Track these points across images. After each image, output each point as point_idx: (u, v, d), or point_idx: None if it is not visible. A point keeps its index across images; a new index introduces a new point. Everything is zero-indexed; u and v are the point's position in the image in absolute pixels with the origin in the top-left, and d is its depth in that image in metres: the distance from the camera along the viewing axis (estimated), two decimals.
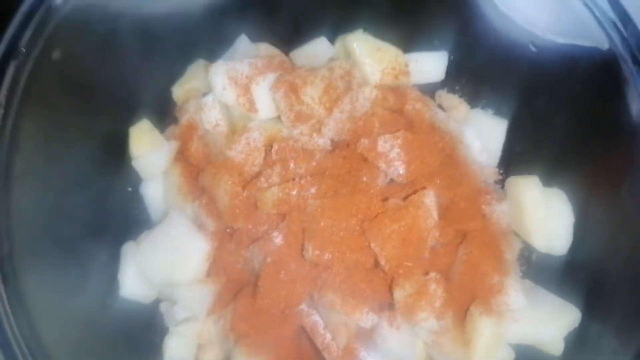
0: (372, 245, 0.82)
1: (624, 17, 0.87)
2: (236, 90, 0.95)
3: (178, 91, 1.06)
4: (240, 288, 0.92)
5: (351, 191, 0.87)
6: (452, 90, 1.13)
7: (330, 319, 0.82)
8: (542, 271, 0.98)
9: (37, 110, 0.74)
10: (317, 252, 0.82)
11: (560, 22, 1.03)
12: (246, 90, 0.96)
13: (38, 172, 0.76)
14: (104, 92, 0.92)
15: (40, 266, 0.76)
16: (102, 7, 0.80)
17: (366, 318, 0.79)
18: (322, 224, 0.82)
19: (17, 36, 0.68)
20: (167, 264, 0.89)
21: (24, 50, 0.68)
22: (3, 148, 0.68)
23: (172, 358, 0.91)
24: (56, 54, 0.73)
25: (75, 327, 0.81)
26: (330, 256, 0.82)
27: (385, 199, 0.89)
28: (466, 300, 0.87)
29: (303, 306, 0.86)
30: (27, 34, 0.69)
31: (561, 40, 1.02)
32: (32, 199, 0.75)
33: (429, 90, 1.12)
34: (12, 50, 0.67)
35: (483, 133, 1.06)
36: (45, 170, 0.79)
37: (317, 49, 1.08)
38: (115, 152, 0.99)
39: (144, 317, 0.97)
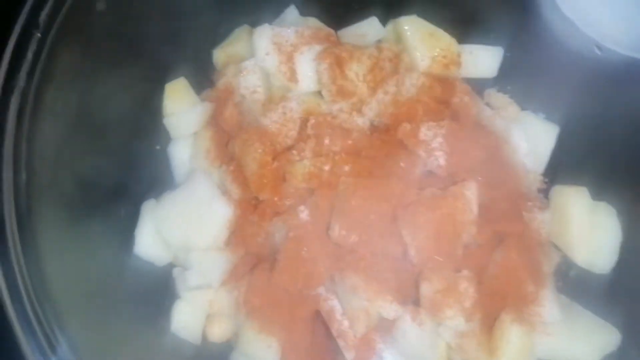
0: (404, 233, 0.77)
1: None
2: (279, 57, 0.92)
3: (219, 54, 1.03)
4: (258, 262, 0.88)
5: (387, 174, 0.82)
6: (502, 90, 1.07)
7: (350, 304, 0.77)
8: (581, 289, 0.91)
9: (76, 45, 0.71)
10: (343, 232, 0.77)
11: (627, 35, 0.97)
12: (289, 58, 0.92)
13: (66, 113, 0.74)
14: (146, 46, 0.90)
15: (58, 217, 0.74)
16: None
17: (389, 307, 0.74)
18: (353, 203, 0.78)
19: None
20: (186, 226, 0.86)
21: None
22: (35, 75, 0.65)
23: (180, 324, 0.87)
24: (100, 5, 0.70)
25: (88, 282, 0.78)
26: (357, 238, 0.77)
27: (421, 189, 0.84)
28: (497, 305, 0.80)
29: (321, 290, 0.81)
30: None
31: (625, 52, 0.96)
32: (56, 145, 0.72)
33: (478, 87, 1.07)
34: None
35: (532, 137, 0.99)
36: (74, 113, 0.76)
37: (366, 29, 1.03)
38: (148, 107, 0.96)
39: (156, 279, 0.93)
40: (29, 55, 0.66)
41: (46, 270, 0.68)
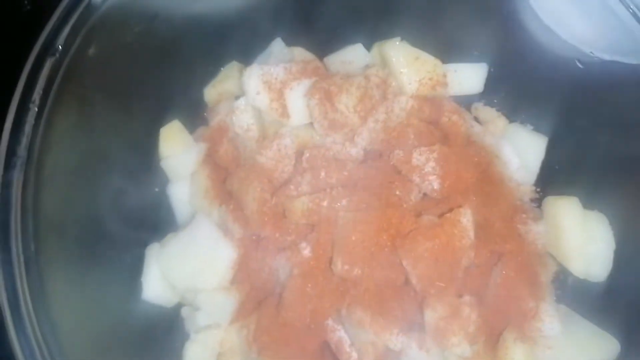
0: (404, 263, 0.79)
1: None
2: (269, 95, 0.93)
3: (210, 93, 1.04)
4: (264, 297, 0.90)
5: (383, 205, 0.84)
6: (489, 103, 1.10)
7: (358, 337, 0.79)
8: (578, 296, 0.94)
9: (70, 108, 0.73)
10: (346, 266, 0.79)
11: (608, 39, 0.99)
12: (279, 95, 0.94)
13: (67, 171, 0.75)
14: (137, 91, 0.91)
15: (65, 266, 0.75)
16: (138, 7, 0.79)
17: (396, 339, 0.76)
18: (353, 238, 0.80)
19: (54, 33, 0.67)
20: (192, 269, 0.87)
21: (61, 47, 0.67)
22: (35, 146, 0.67)
23: None
24: (92, 52, 0.72)
25: (96, 328, 0.80)
26: (359, 271, 0.79)
27: (418, 215, 0.86)
28: (499, 324, 0.83)
29: (329, 321, 0.83)
30: (65, 31, 0.68)
31: (608, 57, 0.98)
32: (60, 198, 0.73)
33: (465, 102, 1.09)
34: (48, 47, 0.66)
35: (521, 149, 1.02)
36: (75, 169, 0.78)
37: (352, 56, 1.06)
38: (145, 151, 0.98)
39: (165, 320, 0.95)
40: (32, 107, 0.68)
41: (55, 319, 0.69)
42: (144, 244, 0.96)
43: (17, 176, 0.64)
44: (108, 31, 0.74)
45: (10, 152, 0.64)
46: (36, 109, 0.65)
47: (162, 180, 1.02)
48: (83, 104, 0.75)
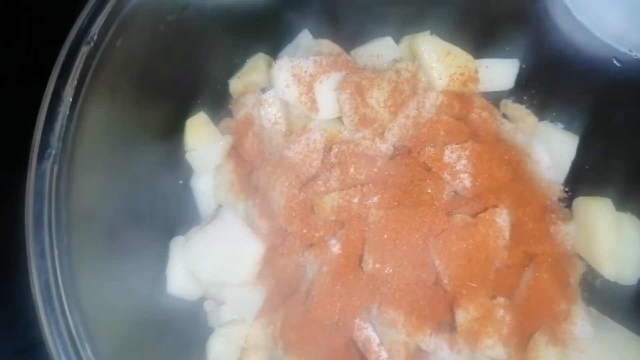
0: (437, 262, 0.78)
1: None
2: (299, 88, 0.92)
3: (236, 84, 1.03)
4: (289, 293, 0.89)
5: (415, 203, 0.83)
6: (518, 100, 1.08)
7: (388, 336, 0.78)
8: (608, 299, 0.92)
9: (101, 99, 0.71)
10: (377, 265, 0.78)
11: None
12: (309, 88, 0.92)
13: (97, 163, 0.74)
14: (165, 82, 0.90)
15: (94, 258, 0.74)
16: None
17: (429, 340, 0.75)
18: (385, 236, 0.78)
19: (89, 23, 0.66)
20: (218, 264, 0.86)
21: (95, 37, 0.65)
22: (68, 137, 0.65)
23: (217, 359, 0.88)
24: (124, 42, 0.70)
25: (124, 319, 0.79)
26: (390, 270, 0.78)
27: (449, 213, 0.84)
28: (530, 326, 0.82)
29: (356, 319, 0.82)
30: (99, 21, 0.66)
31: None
32: (89, 190, 0.72)
33: (493, 99, 1.07)
34: (82, 37, 0.65)
35: (551, 148, 1.00)
36: (103, 161, 0.77)
37: (381, 49, 1.03)
38: (170, 143, 0.96)
39: (188, 313, 0.94)
40: (66, 97, 0.67)
41: (85, 309, 0.69)
42: (169, 237, 0.95)
43: (50, 167, 0.63)
44: (141, 21, 0.73)
45: (44, 144, 0.63)
46: (70, 99, 0.64)
47: (186, 172, 1.01)
48: (113, 94, 0.74)
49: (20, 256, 0.64)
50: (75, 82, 0.64)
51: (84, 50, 0.65)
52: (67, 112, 0.64)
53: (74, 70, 0.65)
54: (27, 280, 0.63)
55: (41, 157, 0.63)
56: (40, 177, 0.62)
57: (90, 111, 0.69)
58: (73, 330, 0.66)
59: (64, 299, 0.66)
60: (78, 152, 0.68)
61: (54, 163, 0.63)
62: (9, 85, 1.08)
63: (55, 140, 0.63)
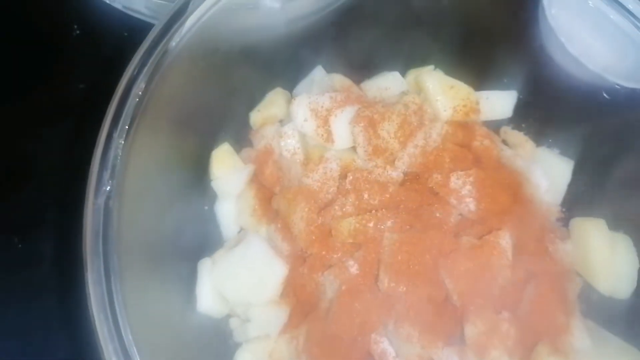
0: (446, 281, 0.86)
1: None
2: (316, 122, 1.00)
3: (256, 117, 1.11)
4: (309, 310, 0.96)
5: (425, 226, 0.91)
6: (517, 128, 1.16)
7: (404, 349, 0.86)
8: (604, 312, 1.00)
9: (144, 139, 0.79)
10: (392, 284, 0.86)
11: (630, 67, 1.05)
12: (325, 122, 1.00)
13: (140, 196, 0.82)
14: (194, 118, 0.98)
15: (136, 280, 0.81)
16: (204, 44, 0.86)
17: (441, 353, 0.83)
18: (399, 257, 0.86)
19: (136, 74, 0.74)
20: (245, 284, 0.94)
21: (143, 86, 0.74)
22: (119, 174, 0.74)
23: None
24: (164, 89, 0.79)
25: (163, 335, 0.86)
26: (404, 288, 0.86)
27: (456, 235, 0.92)
28: (533, 338, 0.89)
29: (373, 334, 0.90)
30: (145, 72, 0.75)
31: (631, 85, 1.05)
32: (134, 222, 0.80)
33: (493, 126, 1.16)
34: (131, 87, 0.74)
35: (549, 172, 1.08)
36: (145, 193, 0.84)
37: (389, 82, 1.12)
38: (198, 172, 1.05)
39: (215, 330, 1.01)
40: (118, 140, 0.76)
41: (133, 326, 0.75)
42: (196, 258, 1.03)
43: (104, 203, 0.71)
44: (178, 69, 0.81)
45: (99, 182, 0.71)
46: (121, 142, 0.72)
47: (210, 198, 1.09)
48: (154, 134, 0.82)
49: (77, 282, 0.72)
50: (126, 126, 0.73)
51: (133, 99, 0.73)
52: (119, 153, 0.72)
53: (123, 117, 0.73)
54: (84, 303, 0.70)
55: (97, 193, 0.71)
56: (96, 212, 0.71)
57: (134, 151, 0.77)
58: (125, 343, 0.73)
59: (110, 317, 0.73)
60: (125, 187, 0.76)
61: (107, 199, 0.71)
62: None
63: (108, 179, 0.72)
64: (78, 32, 1.28)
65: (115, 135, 0.73)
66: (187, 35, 0.84)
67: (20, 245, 1.16)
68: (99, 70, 1.24)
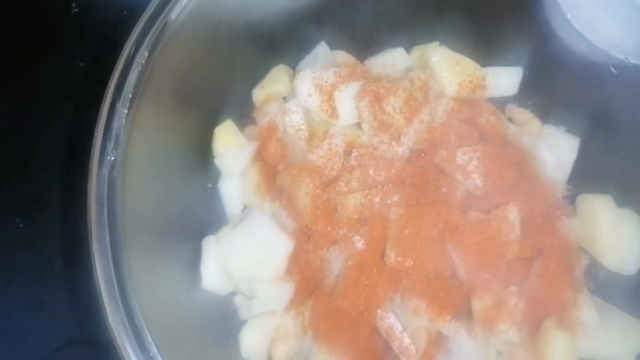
0: (453, 255, 0.85)
1: None
2: (320, 97, 0.99)
3: (258, 94, 1.10)
4: (314, 286, 0.96)
5: (432, 201, 0.90)
6: (523, 105, 1.15)
7: (411, 323, 0.85)
8: (611, 288, 0.99)
9: (147, 111, 0.78)
10: (399, 258, 0.85)
11: (636, 44, 1.04)
12: (329, 97, 0.99)
13: (144, 170, 0.81)
14: (196, 94, 0.96)
15: (141, 257, 0.81)
16: (206, 18, 0.85)
17: (449, 325, 0.82)
18: (406, 232, 0.86)
19: (137, 45, 0.73)
20: (250, 261, 0.93)
21: (144, 57, 0.73)
22: (123, 145, 0.73)
23: (249, 348, 0.95)
24: (165, 61, 0.78)
25: (168, 312, 0.85)
26: (411, 263, 0.85)
27: (463, 211, 0.92)
28: (540, 313, 0.89)
29: (378, 310, 0.89)
30: (146, 44, 0.74)
31: (636, 61, 1.03)
32: (138, 195, 0.79)
33: (499, 104, 1.14)
34: (132, 59, 0.73)
35: (555, 149, 1.07)
36: (148, 168, 0.83)
37: (394, 59, 1.11)
38: (201, 150, 1.04)
39: (220, 307, 1.01)
40: (121, 110, 0.75)
41: (140, 301, 0.75)
42: (200, 236, 1.02)
43: (108, 173, 0.70)
44: (180, 41, 0.80)
45: (103, 152, 0.70)
46: (125, 112, 0.71)
47: (214, 176, 1.08)
48: (156, 107, 0.81)
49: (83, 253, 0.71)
50: (129, 96, 0.71)
51: (135, 68, 0.72)
52: (123, 123, 0.71)
53: (126, 86, 0.72)
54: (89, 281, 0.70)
55: (101, 164, 0.70)
56: (100, 182, 0.70)
57: (138, 122, 0.76)
58: (127, 322, 0.72)
59: (118, 294, 0.73)
60: (129, 159, 0.75)
61: (112, 169, 0.70)
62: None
63: (112, 149, 0.71)
64: (76, 10, 1.26)
65: (119, 104, 0.72)
66: (188, 7, 0.82)
67: (21, 226, 1.15)
68: (98, 48, 1.22)
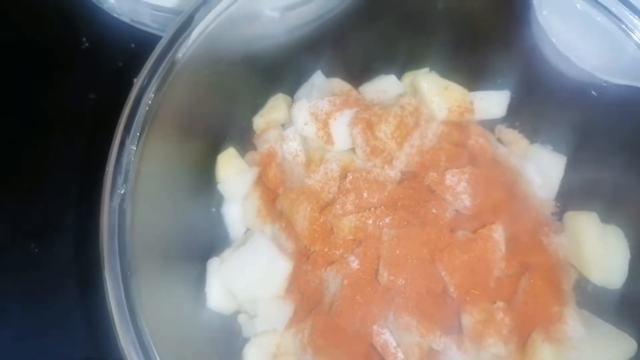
0: (443, 273, 0.90)
1: None
2: (316, 125, 1.05)
3: (258, 121, 1.16)
4: (314, 305, 1.01)
5: (422, 222, 0.95)
6: (511, 126, 1.20)
7: (404, 339, 0.90)
8: (598, 302, 1.03)
9: (155, 145, 0.84)
10: (392, 277, 0.90)
11: (617, 65, 1.09)
12: (325, 124, 1.05)
13: (151, 198, 0.87)
14: (199, 124, 1.03)
15: (151, 282, 0.86)
16: (209, 54, 0.91)
17: (439, 341, 0.87)
18: (397, 252, 0.91)
19: (147, 83, 0.79)
20: (252, 281, 0.98)
21: (152, 95, 0.79)
22: (132, 178, 0.79)
23: None
24: (172, 96, 0.84)
25: (175, 331, 0.90)
26: (403, 282, 0.90)
27: (452, 230, 0.97)
28: (527, 327, 0.93)
29: (375, 326, 0.94)
30: (154, 82, 0.80)
31: (618, 81, 1.09)
32: (146, 223, 0.85)
33: (488, 125, 1.20)
34: (141, 96, 0.79)
35: (542, 168, 1.12)
36: (156, 196, 0.89)
37: (386, 85, 1.17)
38: (204, 176, 1.10)
39: (224, 326, 1.06)
40: (130, 146, 0.81)
41: (149, 321, 0.79)
42: (205, 258, 1.07)
43: (119, 205, 0.76)
44: (185, 78, 0.86)
45: (114, 186, 0.76)
46: (133, 148, 0.77)
47: (217, 201, 1.14)
48: (163, 140, 0.86)
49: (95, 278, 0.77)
50: (138, 133, 0.78)
51: (143, 107, 0.79)
52: (132, 159, 0.77)
53: (135, 124, 0.78)
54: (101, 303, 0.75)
55: (112, 196, 0.76)
56: (112, 213, 0.76)
57: (146, 156, 0.82)
58: (143, 338, 0.77)
59: (127, 315, 0.78)
60: (137, 190, 0.81)
61: (122, 201, 0.76)
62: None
63: (122, 182, 0.77)
64: (87, 44, 1.33)
65: (128, 141, 0.78)
66: (193, 46, 0.89)
67: (37, 251, 1.21)
68: (108, 80, 1.29)
